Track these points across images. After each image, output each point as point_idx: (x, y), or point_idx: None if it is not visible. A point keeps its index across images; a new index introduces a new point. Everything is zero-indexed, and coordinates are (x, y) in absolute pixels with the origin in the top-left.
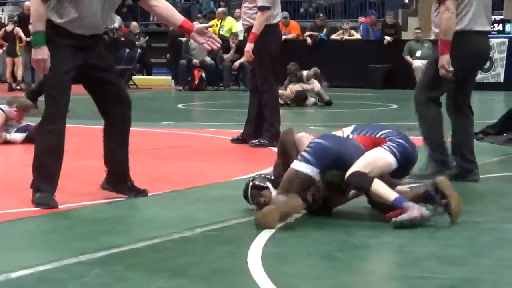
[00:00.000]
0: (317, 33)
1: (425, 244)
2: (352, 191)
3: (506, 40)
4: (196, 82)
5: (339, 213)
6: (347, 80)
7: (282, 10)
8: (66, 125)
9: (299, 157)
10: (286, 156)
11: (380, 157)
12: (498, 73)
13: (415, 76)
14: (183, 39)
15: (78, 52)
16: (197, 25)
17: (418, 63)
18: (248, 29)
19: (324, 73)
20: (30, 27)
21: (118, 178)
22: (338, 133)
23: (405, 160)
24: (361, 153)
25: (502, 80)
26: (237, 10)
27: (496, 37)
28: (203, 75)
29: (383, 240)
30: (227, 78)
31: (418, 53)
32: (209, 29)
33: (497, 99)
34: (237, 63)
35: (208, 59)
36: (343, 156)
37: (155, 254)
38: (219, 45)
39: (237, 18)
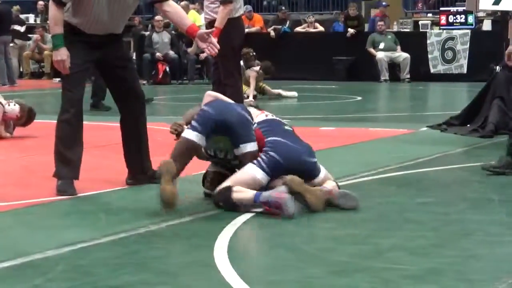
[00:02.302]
0: (280, 26)
1: (389, 235)
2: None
3: (469, 31)
4: (160, 76)
5: (304, 206)
6: (311, 72)
7: (246, 3)
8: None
9: (189, 126)
10: None
11: (247, 173)
12: (461, 64)
13: (379, 68)
14: (147, 33)
15: (90, 48)
16: (200, 30)
17: (381, 55)
18: (210, 23)
19: (288, 65)
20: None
21: (137, 171)
22: (257, 112)
23: (280, 172)
24: (243, 119)
25: (465, 71)
26: (197, 4)
27: (459, 29)
28: (167, 69)
29: (347, 232)
30: (191, 72)
31: (381, 45)
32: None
33: (461, 90)
34: (203, 55)
35: (171, 53)
36: (224, 122)
37: (121, 248)
38: (216, 51)
39: (199, 11)
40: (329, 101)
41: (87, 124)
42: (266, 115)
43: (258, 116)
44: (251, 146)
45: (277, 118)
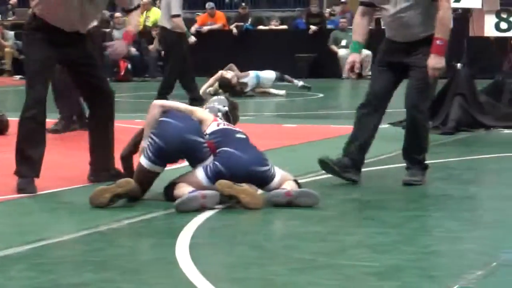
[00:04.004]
0: (242, 23)
1: (352, 232)
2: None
3: None
4: (122, 73)
5: (268, 203)
6: (273, 69)
7: (208, 0)
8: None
9: (144, 153)
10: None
11: (195, 176)
12: None
13: (341, 65)
14: (107, 30)
15: (53, 45)
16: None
17: (343, 52)
18: None
19: (250, 62)
20: None
21: (100, 167)
22: (210, 116)
23: (220, 178)
24: (193, 145)
25: None
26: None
27: None
28: (129, 66)
29: (311, 229)
30: (152, 69)
31: (343, 42)
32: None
33: None
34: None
35: (133, 50)
36: (176, 151)
37: (82, 246)
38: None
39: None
40: (292, 98)
41: (50, 122)
42: (218, 124)
43: (210, 125)
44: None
45: (229, 127)
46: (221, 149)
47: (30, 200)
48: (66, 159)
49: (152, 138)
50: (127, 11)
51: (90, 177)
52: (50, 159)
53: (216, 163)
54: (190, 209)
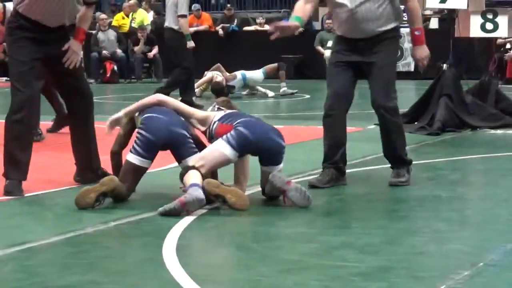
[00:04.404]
0: (228, 25)
1: (338, 233)
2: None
3: None
4: (108, 75)
5: (255, 204)
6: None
7: (194, 2)
8: None
9: (132, 149)
10: None
11: (217, 150)
12: (408, 62)
13: (327, 66)
14: (93, 32)
15: (38, 44)
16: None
17: (329, 53)
18: None
19: (236, 63)
20: None
21: (85, 168)
22: (212, 113)
23: (248, 148)
24: (181, 138)
25: (412, 69)
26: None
27: (406, 27)
28: (115, 67)
29: (298, 230)
30: (139, 70)
31: (329, 43)
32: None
33: (408, 88)
34: (150, 54)
35: (119, 51)
36: (165, 144)
37: (69, 248)
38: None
39: (148, 10)
40: (278, 99)
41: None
42: (225, 111)
43: (215, 116)
44: (192, 161)
45: (235, 111)
46: (237, 121)
47: (17, 202)
48: (53, 161)
49: (140, 133)
50: (88, 4)
51: (76, 177)
52: (36, 161)
53: (239, 128)
54: (173, 215)
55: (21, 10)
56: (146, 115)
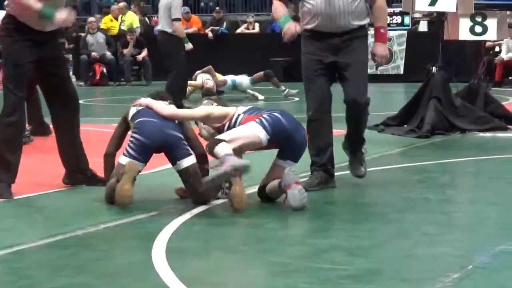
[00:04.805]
0: (217, 27)
1: (327, 236)
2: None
3: (405, 32)
4: (98, 77)
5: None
6: (248, 73)
7: (183, 5)
8: None
9: (126, 152)
10: None
11: (249, 129)
12: (397, 65)
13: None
14: (82, 35)
15: (33, 47)
16: None
17: None
18: None
19: (226, 66)
20: None
21: (74, 170)
22: (231, 108)
23: (280, 135)
24: (175, 140)
25: (402, 72)
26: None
27: (395, 29)
28: (104, 70)
29: (286, 233)
30: (128, 73)
31: None
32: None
33: (397, 90)
34: (139, 57)
35: (108, 54)
36: (159, 146)
37: (59, 250)
38: None
39: (137, 13)
40: (268, 102)
41: None
42: (246, 107)
43: (238, 108)
44: (187, 161)
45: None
46: (269, 110)
47: (6, 205)
48: (41, 163)
49: (133, 137)
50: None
51: (66, 180)
52: (25, 164)
53: (275, 113)
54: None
55: (11, 12)
56: (139, 119)
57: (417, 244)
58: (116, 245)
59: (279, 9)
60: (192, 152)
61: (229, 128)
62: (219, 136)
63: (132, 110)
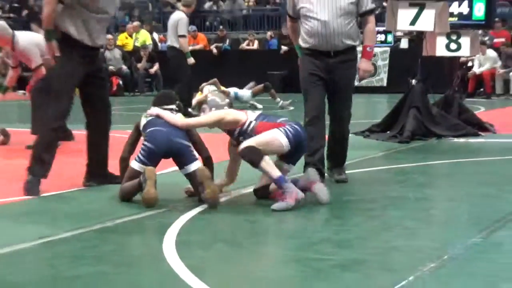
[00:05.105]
0: (221, 44)
1: (319, 229)
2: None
3: (388, 48)
4: (115, 89)
5: (245, 204)
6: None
7: (190, 23)
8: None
9: (137, 158)
10: None
11: (275, 138)
12: (381, 78)
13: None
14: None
15: (86, 63)
16: None
17: None
18: None
19: (228, 78)
20: None
21: (100, 172)
22: (241, 114)
23: (297, 146)
24: (182, 146)
25: (385, 84)
26: (145, 25)
27: (379, 46)
28: (120, 82)
29: (282, 228)
30: (141, 85)
31: None
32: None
33: (381, 101)
34: (152, 70)
35: (124, 68)
36: (167, 153)
37: (80, 243)
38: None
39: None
40: (265, 111)
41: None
42: (253, 112)
43: (248, 114)
44: (194, 166)
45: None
46: (287, 120)
47: (33, 201)
48: (64, 165)
49: (144, 144)
50: None
51: (87, 182)
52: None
53: (296, 126)
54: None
55: (63, 29)
56: (149, 128)
57: (398, 237)
58: (130, 238)
59: (292, 37)
60: (198, 156)
61: (240, 133)
62: (250, 142)
63: (143, 121)
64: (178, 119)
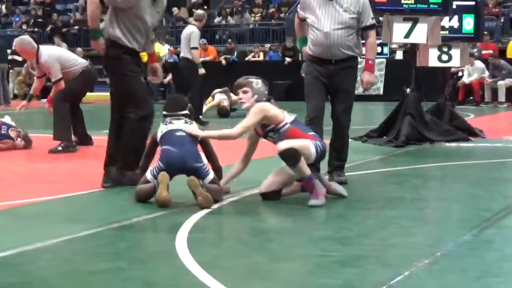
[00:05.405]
0: (229, 56)
1: (321, 227)
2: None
3: (384, 60)
4: None
5: (251, 204)
6: None
7: (201, 37)
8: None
9: (151, 172)
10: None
11: (308, 147)
12: (378, 87)
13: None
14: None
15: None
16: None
17: None
18: None
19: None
20: None
21: (122, 170)
22: (280, 112)
23: (319, 160)
24: (194, 165)
25: (381, 93)
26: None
27: (376, 58)
28: None
29: (286, 226)
30: (156, 93)
31: None
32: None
33: (378, 108)
34: (166, 80)
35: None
36: (181, 172)
37: (98, 240)
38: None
39: (162, 43)
40: None
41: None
42: (290, 115)
43: (285, 116)
44: (207, 180)
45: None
46: (318, 135)
47: (54, 202)
48: (84, 167)
49: (158, 162)
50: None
51: (105, 184)
52: (70, 168)
53: (323, 145)
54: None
55: (118, 39)
56: (164, 146)
57: (394, 235)
58: (145, 236)
59: (297, 32)
60: (210, 170)
61: (272, 130)
62: (289, 144)
63: (159, 132)
64: (230, 130)
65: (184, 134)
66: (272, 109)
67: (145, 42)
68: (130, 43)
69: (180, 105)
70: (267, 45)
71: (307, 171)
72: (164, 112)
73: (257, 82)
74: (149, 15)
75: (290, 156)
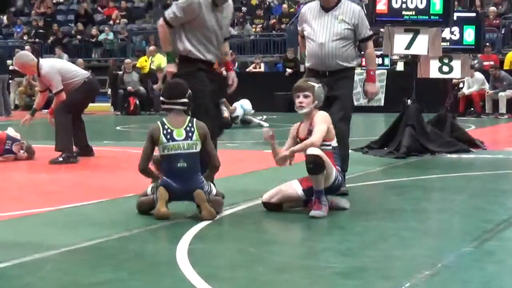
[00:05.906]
0: None
1: (322, 239)
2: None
3: (385, 71)
4: (132, 108)
5: (252, 215)
6: (255, 105)
7: None
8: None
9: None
10: None
11: (332, 173)
12: (379, 98)
13: None
14: (119, 73)
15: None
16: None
17: None
18: None
19: (239, 99)
20: None
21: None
22: (331, 128)
23: (331, 189)
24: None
25: (382, 104)
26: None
27: (377, 69)
28: (137, 102)
29: (287, 237)
30: (157, 104)
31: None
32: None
33: (379, 119)
34: None
35: (141, 88)
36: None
37: (99, 251)
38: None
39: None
40: (271, 127)
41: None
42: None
43: (333, 139)
44: (213, 194)
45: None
46: (340, 170)
47: (55, 213)
48: (85, 179)
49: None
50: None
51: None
52: (72, 179)
53: (340, 178)
54: None
55: (191, 53)
56: (164, 176)
57: (395, 246)
58: (146, 247)
59: (301, 48)
60: (212, 186)
61: (324, 145)
62: (323, 156)
63: (160, 147)
64: (310, 139)
65: (185, 165)
66: (330, 127)
67: (217, 50)
68: (203, 54)
69: (179, 91)
70: (271, 57)
71: (322, 186)
72: (162, 99)
73: (318, 87)
74: (215, 22)
75: (317, 164)
